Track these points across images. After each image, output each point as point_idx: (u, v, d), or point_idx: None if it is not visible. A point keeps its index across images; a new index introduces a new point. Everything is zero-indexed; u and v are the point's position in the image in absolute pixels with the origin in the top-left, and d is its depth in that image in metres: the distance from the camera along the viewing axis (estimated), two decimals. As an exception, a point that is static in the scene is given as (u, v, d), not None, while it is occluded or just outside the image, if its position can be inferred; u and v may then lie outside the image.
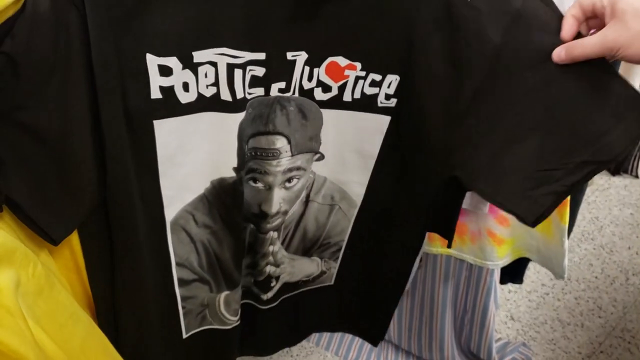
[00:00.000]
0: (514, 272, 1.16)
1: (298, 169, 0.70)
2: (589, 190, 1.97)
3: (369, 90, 0.65)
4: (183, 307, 0.75)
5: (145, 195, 0.62)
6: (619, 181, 2.06)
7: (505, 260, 1.00)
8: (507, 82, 0.60)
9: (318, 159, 0.71)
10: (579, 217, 1.62)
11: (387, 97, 0.66)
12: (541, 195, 0.59)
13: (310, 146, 0.69)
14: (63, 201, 0.55)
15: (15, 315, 0.43)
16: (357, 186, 0.75)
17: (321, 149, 0.70)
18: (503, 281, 1.19)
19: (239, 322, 0.80)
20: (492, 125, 0.62)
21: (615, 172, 2.14)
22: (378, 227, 0.79)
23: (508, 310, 1.49)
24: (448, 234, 0.75)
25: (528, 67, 0.58)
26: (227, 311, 0.78)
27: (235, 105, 0.61)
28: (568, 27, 0.56)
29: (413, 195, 0.73)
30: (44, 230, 0.53)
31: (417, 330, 1.23)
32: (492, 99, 0.61)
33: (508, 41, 0.58)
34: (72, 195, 0.55)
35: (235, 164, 0.66)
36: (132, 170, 0.59)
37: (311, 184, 0.73)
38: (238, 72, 0.59)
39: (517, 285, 1.53)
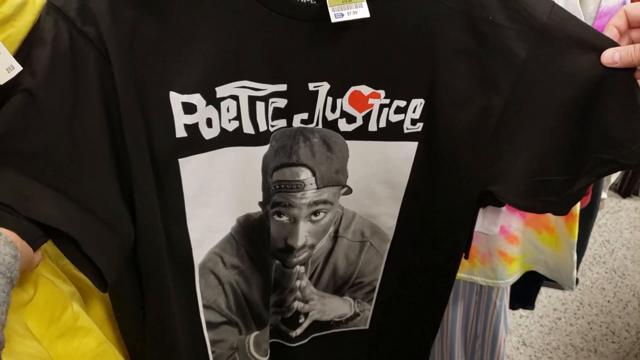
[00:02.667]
0: (525, 298, 1.13)
1: (325, 202, 0.68)
2: (599, 214, 1.94)
3: (394, 118, 0.63)
4: (213, 352, 0.73)
5: (173, 239, 0.61)
6: (630, 203, 2.04)
7: (515, 277, 0.98)
8: (536, 96, 0.59)
9: (345, 193, 0.69)
10: (590, 240, 1.60)
11: (413, 122, 0.64)
12: (576, 191, 0.61)
13: (336, 179, 0.67)
14: (107, 241, 0.54)
15: None
16: (388, 218, 0.72)
17: (348, 182, 0.68)
18: (514, 307, 1.16)
19: None
20: (522, 138, 0.61)
21: (625, 194, 2.13)
22: (412, 260, 0.75)
23: (520, 336, 1.46)
24: (466, 248, 0.73)
25: (557, 80, 0.58)
26: (257, 352, 0.76)
27: (258, 139, 0.60)
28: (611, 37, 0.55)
29: (448, 220, 0.70)
30: (100, 270, 0.52)
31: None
32: (522, 113, 0.60)
33: (535, 56, 0.58)
34: (113, 236, 0.54)
35: (260, 199, 0.65)
36: (159, 213, 0.58)
37: (339, 219, 0.71)
38: (260, 105, 0.58)
39: (528, 310, 1.50)
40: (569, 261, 0.90)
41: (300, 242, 0.69)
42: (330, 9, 0.54)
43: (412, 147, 0.65)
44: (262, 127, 0.59)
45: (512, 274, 0.96)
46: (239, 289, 0.70)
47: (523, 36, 0.58)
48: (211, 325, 0.71)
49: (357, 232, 0.72)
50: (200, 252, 0.64)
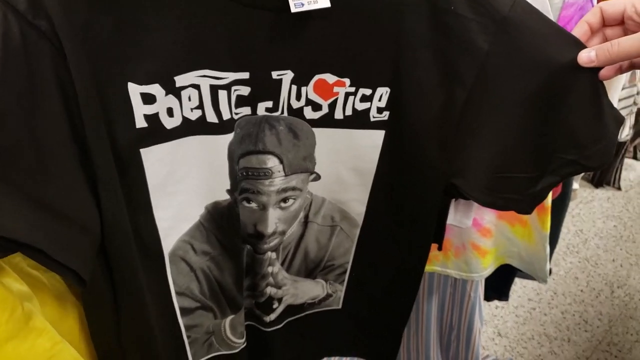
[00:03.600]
0: (499, 289, 1.14)
1: (293, 189, 0.68)
2: (572, 204, 1.97)
3: (360, 106, 0.63)
4: (188, 337, 0.73)
5: (141, 229, 0.60)
6: (602, 193, 2.07)
7: (489, 270, 0.99)
8: (499, 91, 0.59)
9: (314, 179, 0.69)
10: (564, 230, 1.62)
11: (379, 110, 0.64)
12: (539, 190, 0.61)
13: (304, 166, 0.67)
14: (79, 242, 0.53)
15: None
16: (357, 205, 0.73)
17: (316, 169, 0.68)
18: (489, 298, 1.17)
19: (245, 344, 0.78)
20: (484, 132, 0.62)
21: (598, 184, 2.16)
22: (382, 246, 0.76)
23: (495, 326, 1.47)
24: (439, 239, 0.74)
25: (519, 75, 0.58)
26: (233, 335, 0.76)
27: (222, 127, 0.60)
28: (580, 35, 0.54)
29: (416, 208, 0.71)
30: (76, 272, 0.52)
31: (404, 347, 1.21)
32: (484, 107, 0.60)
33: (497, 49, 0.58)
34: (83, 235, 0.53)
35: (228, 186, 0.65)
36: (124, 204, 0.57)
37: (309, 205, 0.71)
38: (222, 93, 0.58)
39: (503, 301, 1.52)
40: (541, 254, 0.90)
41: (270, 229, 0.70)
42: None
43: (379, 135, 0.66)
44: (226, 116, 0.59)
45: (486, 267, 0.96)
46: (211, 274, 0.70)
47: (485, 28, 0.57)
48: (185, 311, 0.71)
49: (327, 217, 0.73)
50: (169, 241, 0.64)
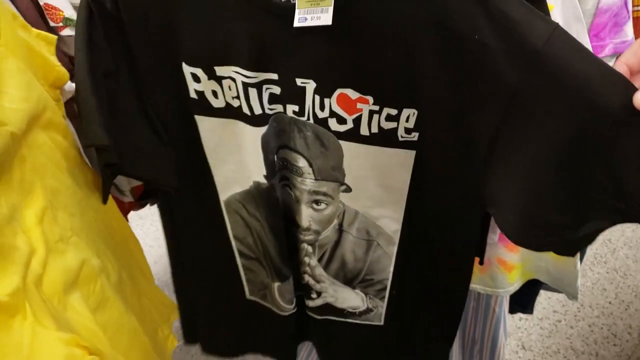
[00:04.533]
0: (524, 302, 1.10)
1: (325, 194, 0.69)
2: (600, 211, 1.91)
3: (387, 125, 0.60)
4: (245, 274, 0.80)
5: (199, 180, 0.70)
6: (631, 201, 2.01)
7: (515, 286, 0.95)
8: (530, 127, 0.53)
9: (345, 191, 0.68)
10: (591, 240, 1.56)
11: (408, 131, 0.60)
12: (581, 237, 0.54)
13: (334, 175, 0.66)
14: (159, 165, 0.70)
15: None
16: (391, 222, 0.70)
17: (346, 181, 0.67)
18: (513, 311, 1.13)
19: (295, 310, 0.82)
20: (516, 168, 0.56)
21: (626, 192, 2.09)
22: (422, 266, 0.73)
23: (519, 339, 1.43)
24: (480, 253, 0.72)
25: (555, 115, 0.51)
26: (281, 300, 0.81)
27: (254, 119, 0.64)
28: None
29: (455, 229, 0.67)
30: (166, 184, 0.71)
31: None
32: (515, 141, 0.55)
33: (527, 86, 0.51)
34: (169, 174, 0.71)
35: (264, 172, 0.69)
36: (188, 156, 0.69)
37: (342, 214, 0.71)
38: (252, 91, 0.61)
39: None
40: (572, 270, 0.86)
41: (305, 224, 0.72)
42: (297, 12, 0.53)
43: (409, 155, 0.62)
44: (257, 111, 0.62)
45: (513, 282, 0.92)
46: (263, 237, 0.76)
47: (513, 61, 0.50)
48: (243, 255, 0.79)
49: (362, 230, 0.72)
50: (225, 194, 0.72)
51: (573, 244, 0.56)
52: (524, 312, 1.14)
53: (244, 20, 0.56)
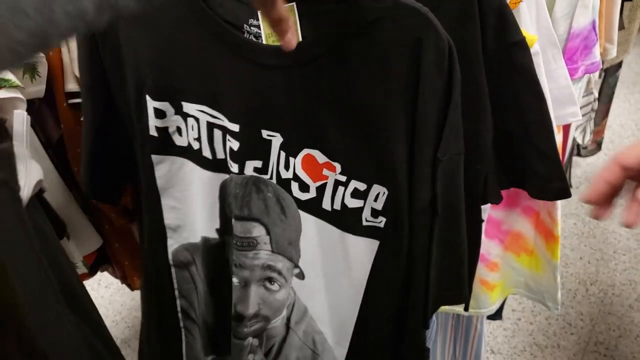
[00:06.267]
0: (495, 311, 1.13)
1: (279, 273, 0.61)
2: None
3: (352, 203, 0.55)
4: (185, 337, 0.74)
5: (151, 223, 0.66)
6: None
7: (497, 304, 0.97)
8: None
9: (297, 276, 0.61)
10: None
11: (375, 213, 0.55)
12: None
13: (289, 252, 0.60)
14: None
15: None
16: (337, 346, 0.64)
17: (300, 264, 0.60)
18: (485, 320, 1.16)
19: None
20: None
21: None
22: None
23: (487, 344, 1.47)
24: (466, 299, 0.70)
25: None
26: None
27: (216, 165, 0.59)
28: (602, 198, 0.42)
29: (412, 336, 0.64)
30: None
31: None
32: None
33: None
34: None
35: (217, 226, 0.62)
36: (147, 190, 0.64)
37: (292, 305, 0.63)
38: (217, 133, 0.57)
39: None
40: (552, 282, 0.89)
41: (251, 310, 0.63)
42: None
43: (372, 245, 0.57)
44: (220, 155, 0.58)
45: (494, 301, 0.94)
46: (206, 305, 0.69)
47: None
48: (185, 315, 0.71)
49: (308, 335, 0.65)
50: (172, 242, 0.65)
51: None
52: (493, 318, 1.17)
53: (217, 58, 0.53)
